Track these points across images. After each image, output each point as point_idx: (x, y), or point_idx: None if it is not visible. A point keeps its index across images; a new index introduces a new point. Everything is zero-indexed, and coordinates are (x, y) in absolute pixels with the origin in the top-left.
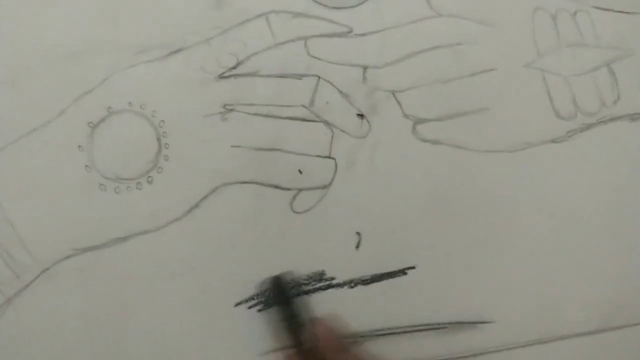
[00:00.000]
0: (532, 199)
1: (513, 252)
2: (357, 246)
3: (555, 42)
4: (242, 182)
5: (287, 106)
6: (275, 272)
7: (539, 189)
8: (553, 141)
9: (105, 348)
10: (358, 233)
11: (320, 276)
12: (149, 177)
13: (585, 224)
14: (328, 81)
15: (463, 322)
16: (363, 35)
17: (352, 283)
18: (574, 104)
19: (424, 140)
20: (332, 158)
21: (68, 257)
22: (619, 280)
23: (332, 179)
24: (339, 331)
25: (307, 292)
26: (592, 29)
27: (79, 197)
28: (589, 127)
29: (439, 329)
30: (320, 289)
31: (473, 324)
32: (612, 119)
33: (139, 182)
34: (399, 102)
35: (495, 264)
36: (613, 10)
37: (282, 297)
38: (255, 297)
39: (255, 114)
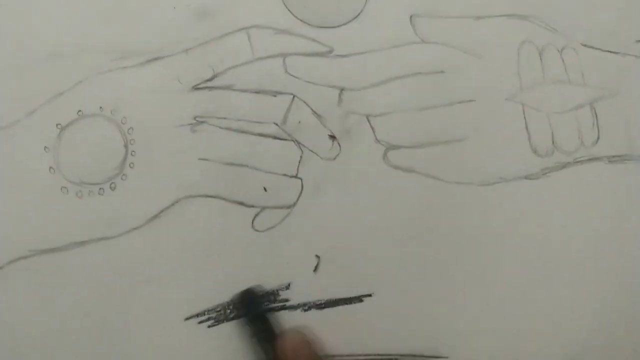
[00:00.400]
0: (501, 234)
1: (477, 287)
2: (315, 269)
3: (539, 77)
4: (206, 196)
5: (259, 122)
6: (239, 287)
7: (509, 225)
8: (527, 177)
9: (56, 351)
10: (317, 256)
11: (274, 296)
12: (112, 183)
13: (557, 260)
14: (303, 100)
15: (416, 355)
16: (344, 56)
17: (306, 306)
18: (552, 142)
19: (395, 167)
20: (299, 178)
21: (24, 257)
22: (586, 322)
23: (297, 199)
24: (309, 345)
25: None
26: (578, 66)
27: (40, 198)
28: (564, 165)
29: (390, 359)
30: (274, 309)
31: (427, 357)
32: (590, 160)
33: (102, 188)
34: (372, 127)
35: (457, 298)
36: (602, 50)
37: (253, 310)
38: (206, 312)
39: (226, 128)
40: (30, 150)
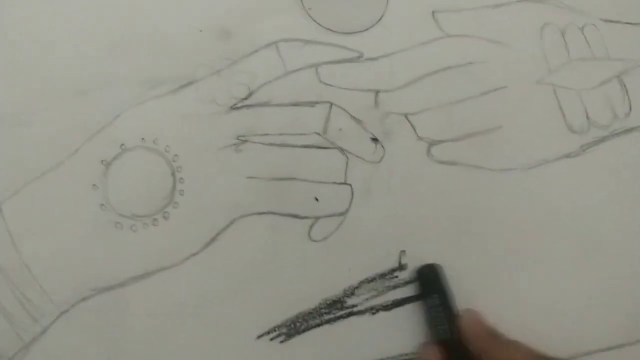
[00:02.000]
0: (549, 215)
1: (533, 270)
2: (400, 263)
3: (565, 57)
4: (259, 213)
5: (301, 134)
6: (304, 300)
7: (556, 205)
8: (567, 156)
9: None
10: (403, 251)
11: (341, 304)
12: (165, 212)
13: (605, 237)
14: (340, 107)
15: None
16: (373, 59)
17: (373, 310)
18: (587, 118)
19: (440, 162)
20: (348, 184)
21: (86, 298)
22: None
23: (349, 205)
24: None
25: (329, 322)
26: (601, 41)
27: (95, 237)
28: (602, 140)
29: None
30: (342, 317)
31: None
32: (625, 131)
33: (155, 219)
34: (412, 125)
35: (516, 283)
36: (621, 22)
37: (436, 285)
38: (277, 329)
39: (269, 144)
40: (79, 189)
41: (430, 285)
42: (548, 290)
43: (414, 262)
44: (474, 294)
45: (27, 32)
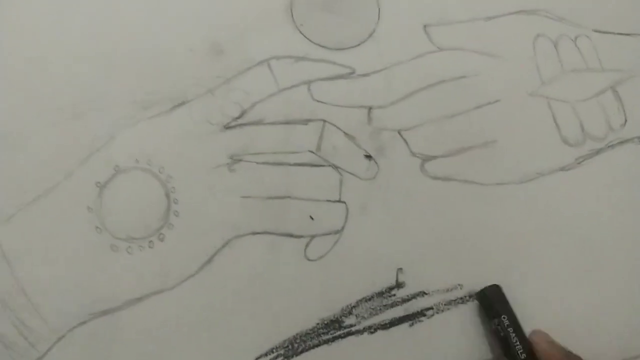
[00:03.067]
0: (546, 229)
1: (531, 285)
2: (397, 281)
3: (558, 69)
4: (254, 233)
5: (294, 152)
6: (302, 320)
7: (553, 219)
8: (563, 169)
9: None
10: (400, 268)
11: (339, 324)
12: (160, 234)
13: (603, 250)
14: (333, 124)
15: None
16: (366, 75)
17: (372, 329)
18: (582, 130)
19: (434, 178)
20: (343, 202)
21: (83, 322)
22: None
23: (345, 223)
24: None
25: (327, 342)
26: (594, 53)
27: (91, 260)
28: (598, 152)
29: None
30: (340, 337)
31: None
32: (621, 142)
33: (151, 241)
34: (405, 141)
35: (515, 298)
36: (613, 33)
37: (504, 306)
38: (275, 350)
39: (263, 163)
40: (74, 212)
41: (497, 306)
42: (547, 305)
43: (410, 280)
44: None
45: (20, 53)
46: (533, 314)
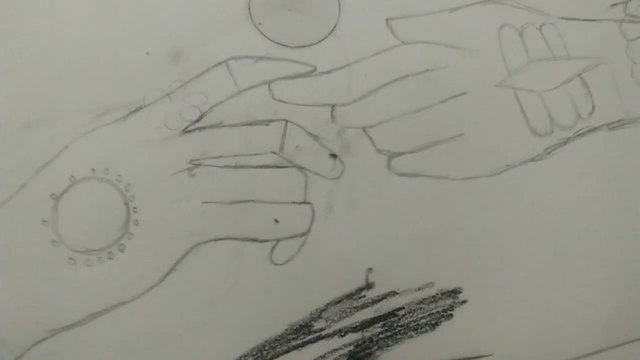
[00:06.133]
0: (518, 222)
1: (505, 279)
2: (367, 282)
3: (524, 58)
4: (217, 239)
5: (257, 154)
6: (271, 326)
7: (524, 211)
8: (532, 160)
9: None
10: (370, 269)
11: (308, 328)
12: (120, 245)
13: (576, 240)
14: (296, 124)
15: (460, 359)
16: (328, 72)
17: (342, 332)
18: (550, 120)
19: (401, 175)
20: (309, 203)
21: (43, 339)
22: (616, 294)
23: (311, 225)
24: None
25: (297, 347)
26: (560, 40)
27: (48, 275)
28: (566, 141)
29: None
30: (310, 341)
31: (471, 359)
32: (590, 130)
33: (111, 252)
34: (370, 138)
35: (488, 293)
36: (579, 20)
37: None
38: (243, 357)
39: (224, 167)
40: (29, 225)
41: None
42: (522, 298)
43: (381, 280)
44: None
45: None
46: (507, 308)
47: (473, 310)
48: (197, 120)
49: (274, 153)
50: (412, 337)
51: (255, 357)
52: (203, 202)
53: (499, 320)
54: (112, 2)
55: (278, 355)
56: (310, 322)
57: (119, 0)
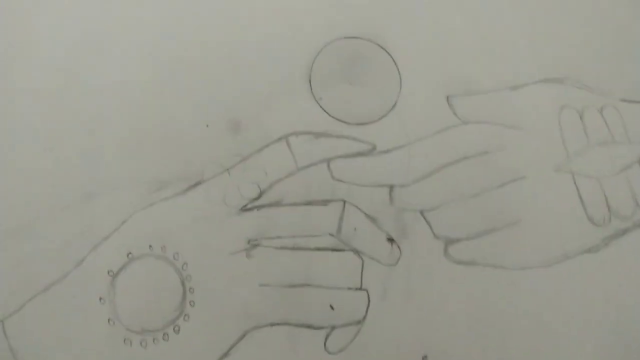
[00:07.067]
0: (572, 315)
1: None
2: None
3: (584, 141)
4: (272, 324)
5: (314, 236)
6: None
7: (579, 304)
8: (589, 251)
9: None
10: (425, 356)
11: None
12: (175, 326)
13: (634, 337)
14: (354, 205)
15: None
16: (387, 151)
17: None
18: (608, 208)
19: (458, 262)
20: (364, 289)
21: None
22: None
23: (366, 313)
24: None
25: None
26: (620, 123)
27: (104, 354)
28: (624, 232)
29: None
30: None
31: None
32: None
33: (166, 333)
34: (428, 222)
35: None
36: None
37: None
38: None
39: (281, 248)
40: (86, 303)
41: None
42: None
43: None
44: None
45: (28, 134)
46: None
47: None
48: (256, 198)
49: (332, 235)
50: None
51: None
52: (260, 285)
53: None
54: (171, 71)
55: None
56: None
57: (178, 69)
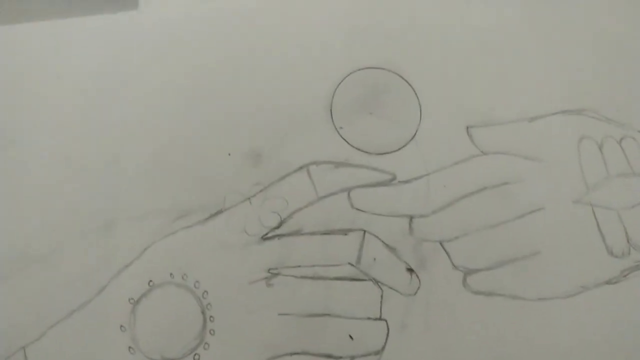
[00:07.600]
0: (592, 346)
1: None
2: None
3: (603, 173)
4: (292, 354)
5: (334, 265)
6: None
7: (599, 335)
8: (608, 282)
9: None
10: None
11: None
12: (195, 354)
13: None
14: (374, 235)
15: None
16: (407, 182)
17: None
18: (627, 240)
19: (476, 293)
20: (384, 320)
21: None
22: None
23: (385, 344)
24: None
25: None
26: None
27: None
28: None
29: None
30: None
31: None
32: None
33: None
34: (447, 253)
35: None
36: None
37: None
38: None
39: (301, 277)
40: (107, 331)
41: None
42: None
43: None
44: None
45: (52, 162)
46: None
47: None
48: (277, 227)
49: (351, 264)
50: None
51: None
52: (279, 314)
53: None
54: (193, 100)
55: None
56: None
57: (200, 98)
